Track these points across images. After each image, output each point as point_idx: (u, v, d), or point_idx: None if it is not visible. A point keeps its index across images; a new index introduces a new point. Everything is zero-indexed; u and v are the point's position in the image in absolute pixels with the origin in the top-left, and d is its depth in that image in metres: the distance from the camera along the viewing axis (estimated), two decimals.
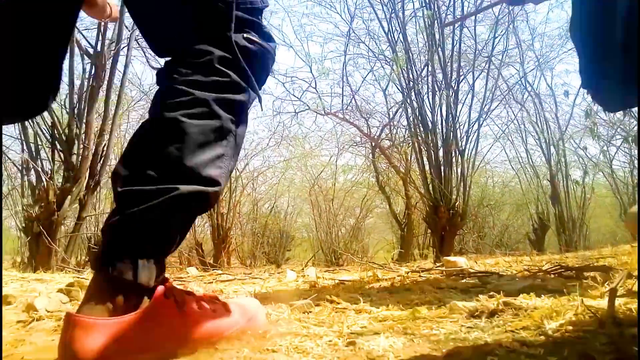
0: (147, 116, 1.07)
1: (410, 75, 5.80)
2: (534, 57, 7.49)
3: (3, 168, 5.25)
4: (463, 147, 5.39)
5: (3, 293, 1.73)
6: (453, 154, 5.22)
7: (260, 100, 1.12)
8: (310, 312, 1.33)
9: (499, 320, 1.06)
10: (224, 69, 1.02)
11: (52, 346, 1.10)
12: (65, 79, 4.39)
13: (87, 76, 4.31)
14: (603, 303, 1.09)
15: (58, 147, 4.17)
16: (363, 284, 1.81)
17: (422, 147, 5.40)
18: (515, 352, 0.84)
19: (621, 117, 7.56)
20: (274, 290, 1.81)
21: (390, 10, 6.04)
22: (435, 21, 5.62)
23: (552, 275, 1.80)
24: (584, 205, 7.43)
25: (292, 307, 1.36)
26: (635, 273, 1.47)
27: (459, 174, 5.28)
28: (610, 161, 7.98)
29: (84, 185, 4.18)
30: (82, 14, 1.22)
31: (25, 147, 4.28)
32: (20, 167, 4.48)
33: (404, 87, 5.89)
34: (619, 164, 8.23)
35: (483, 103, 6.10)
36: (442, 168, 5.16)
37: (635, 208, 1.83)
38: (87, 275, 2.79)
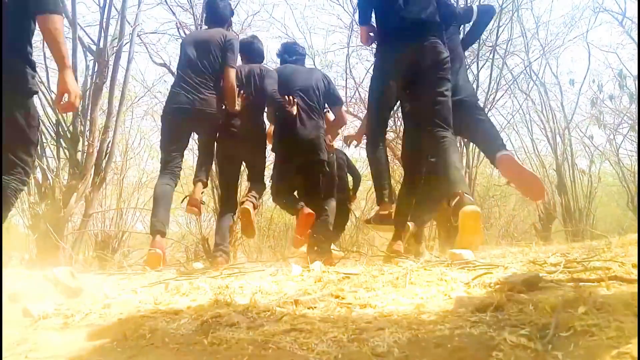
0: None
1: None
2: (538, 45, 7.43)
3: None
4: None
5: (10, 291, 1.74)
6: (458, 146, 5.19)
7: None
8: (315, 307, 1.33)
9: (504, 314, 1.05)
10: None
11: (55, 344, 1.10)
12: None
13: (90, 73, 4.31)
14: (610, 296, 1.08)
15: (63, 144, 4.18)
16: (368, 278, 1.81)
17: None
18: (520, 347, 0.83)
19: (627, 105, 7.49)
20: (279, 285, 1.81)
21: None
22: None
23: (559, 267, 1.79)
24: (591, 194, 7.39)
25: (297, 302, 1.36)
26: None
27: (464, 165, 5.25)
28: (617, 150, 7.92)
29: (90, 182, 4.19)
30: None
31: None
32: None
33: None
34: (625, 153, 8.17)
35: (488, 93, 6.06)
36: None
37: None
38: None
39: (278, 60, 3.95)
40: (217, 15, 3.45)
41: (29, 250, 4.65)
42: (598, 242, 2.89)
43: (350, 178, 4.43)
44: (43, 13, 2.10)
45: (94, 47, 4.35)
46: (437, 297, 1.35)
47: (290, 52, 3.81)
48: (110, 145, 4.38)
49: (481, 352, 0.83)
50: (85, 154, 4.15)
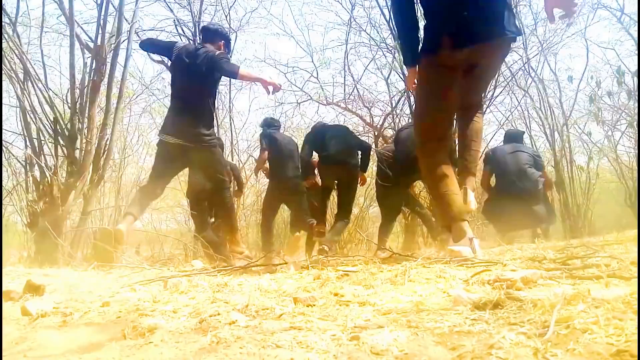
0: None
1: None
2: (537, 42, 7.41)
3: (5, 165, 5.26)
4: None
5: (7, 289, 1.73)
6: (456, 142, 5.19)
7: None
8: (314, 305, 1.33)
9: (503, 311, 1.05)
10: None
11: (54, 343, 1.10)
12: (66, 73, 4.38)
13: (87, 70, 4.29)
14: (609, 293, 1.08)
15: (61, 142, 4.16)
16: (367, 275, 1.81)
17: None
18: (520, 345, 0.83)
19: (626, 101, 7.50)
20: (278, 282, 1.81)
21: None
22: None
23: (557, 264, 1.79)
24: (589, 191, 7.39)
25: (296, 300, 1.36)
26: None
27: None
28: (615, 146, 7.93)
29: (88, 179, 4.18)
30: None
31: (28, 143, 4.28)
32: (24, 163, 4.49)
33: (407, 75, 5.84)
34: (623, 149, 8.18)
35: (486, 90, 6.04)
36: None
37: None
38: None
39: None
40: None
41: (27, 248, 4.64)
42: (596, 239, 2.89)
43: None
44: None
45: (91, 45, 4.33)
46: (436, 294, 1.35)
47: (272, 125, 5.45)
48: (108, 142, 4.37)
49: (480, 349, 0.83)
50: (83, 151, 4.14)
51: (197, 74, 3.58)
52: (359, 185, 5.38)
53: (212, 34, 3.82)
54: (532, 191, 4.92)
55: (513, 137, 5.52)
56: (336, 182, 5.15)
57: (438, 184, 2.46)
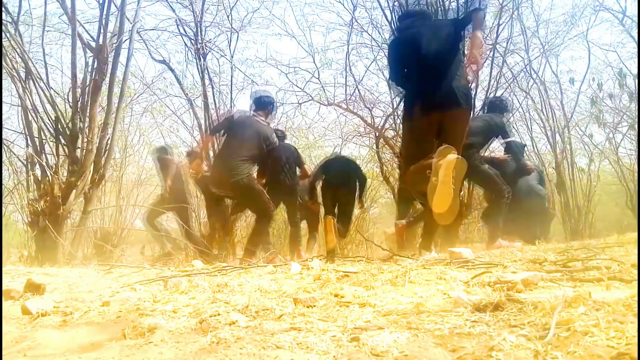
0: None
1: None
2: (539, 44, 7.40)
3: (6, 163, 5.27)
4: None
5: (7, 288, 1.73)
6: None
7: None
8: (314, 306, 1.33)
9: (503, 313, 1.05)
10: None
11: (54, 342, 1.10)
12: (68, 72, 4.38)
13: (89, 70, 4.29)
14: (610, 296, 1.08)
15: (62, 141, 4.16)
16: (367, 277, 1.81)
17: None
18: (520, 347, 0.83)
19: (627, 104, 7.49)
20: (279, 283, 1.81)
21: None
22: (439, 9, 5.56)
23: (558, 266, 1.79)
24: (590, 193, 7.38)
25: (297, 301, 1.36)
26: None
27: None
28: (616, 148, 7.92)
29: (89, 179, 4.18)
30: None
31: (29, 142, 4.28)
32: (25, 162, 4.49)
33: None
34: (624, 151, 8.17)
35: (488, 91, 6.04)
36: None
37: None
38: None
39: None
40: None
41: (28, 247, 4.64)
42: (597, 241, 2.89)
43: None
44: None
45: (93, 44, 4.33)
46: (436, 296, 1.35)
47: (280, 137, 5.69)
48: (109, 142, 4.37)
49: (480, 351, 0.83)
50: (84, 150, 4.14)
51: (251, 141, 4.22)
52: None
53: (263, 103, 4.57)
54: (537, 209, 5.01)
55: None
56: (337, 203, 5.83)
57: (416, 166, 2.97)
